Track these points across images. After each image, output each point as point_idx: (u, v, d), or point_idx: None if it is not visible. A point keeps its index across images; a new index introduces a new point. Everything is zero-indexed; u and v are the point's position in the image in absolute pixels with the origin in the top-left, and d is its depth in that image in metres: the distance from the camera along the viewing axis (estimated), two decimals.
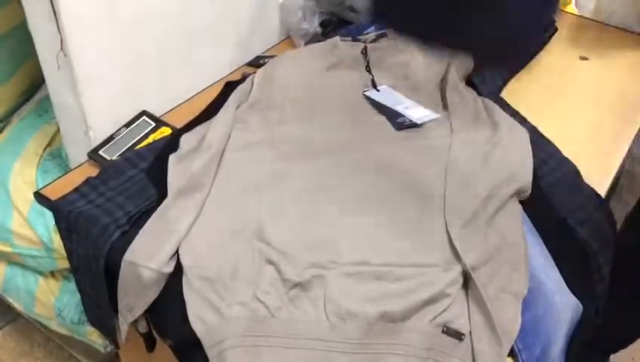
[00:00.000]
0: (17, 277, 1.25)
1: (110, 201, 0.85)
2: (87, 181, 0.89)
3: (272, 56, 1.04)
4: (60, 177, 0.96)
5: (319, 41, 1.12)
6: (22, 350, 1.47)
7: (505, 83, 1.15)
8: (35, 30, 0.91)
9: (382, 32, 1.10)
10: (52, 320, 1.25)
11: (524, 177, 0.84)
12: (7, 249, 1.21)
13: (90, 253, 0.84)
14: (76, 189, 0.88)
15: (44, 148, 1.24)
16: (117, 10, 0.92)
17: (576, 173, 0.92)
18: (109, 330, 0.90)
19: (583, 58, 1.24)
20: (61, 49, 0.88)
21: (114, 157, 0.95)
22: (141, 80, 1.02)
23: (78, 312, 1.21)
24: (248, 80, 1.02)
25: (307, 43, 1.15)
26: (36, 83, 1.35)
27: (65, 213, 0.86)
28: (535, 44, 1.16)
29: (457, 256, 0.74)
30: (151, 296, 0.76)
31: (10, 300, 1.29)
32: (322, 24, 1.17)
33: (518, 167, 0.86)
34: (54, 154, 1.23)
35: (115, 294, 0.82)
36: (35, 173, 1.20)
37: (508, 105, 1.02)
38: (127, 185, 0.88)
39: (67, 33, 0.86)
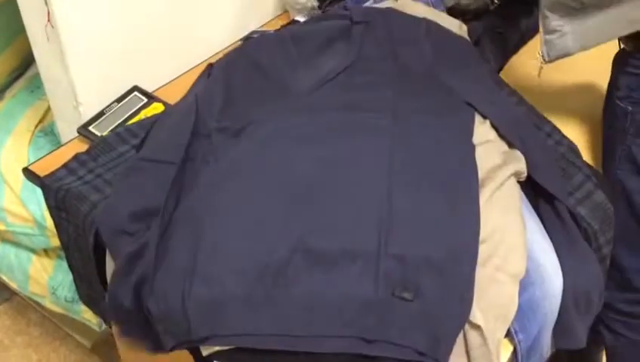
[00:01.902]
0: (11, 255, 1.24)
1: (99, 178, 0.84)
2: (76, 157, 0.87)
3: (265, 31, 1.01)
4: (50, 153, 0.94)
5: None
6: (18, 328, 1.47)
7: (506, 60, 1.13)
8: (22, 2, 0.88)
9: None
10: (46, 298, 1.25)
11: (519, 163, 0.82)
12: (0, 227, 1.20)
13: (79, 230, 0.82)
14: (65, 165, 0.86)
15: (36, 125, 1.23)
16: None
17: (575, 152, 0.90)
18: (100, 308, 0.89)
19: None
20: (48, 21, 0.85)
21: (104, 133, 0.93)
22: (133, 54, 0.99)
23: (71, 291, 1.21)
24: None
25: (304, 18, 1.13)
26: (28, 59, 1.33)
27: (54, 189, 0.84)
28: None
29: None
30: None
31: (4, 278, 1.28)
32: None
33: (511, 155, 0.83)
34: (46, 130, 1.21)
35: (104, 273, 0.81)
36: (27, 150, 1.19)
37: (506, 84, 0.99)
38: (117, 161, 0.86)
39: (54, 4, 0.84)
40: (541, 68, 0.91)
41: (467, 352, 0.65)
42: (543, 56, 0.88)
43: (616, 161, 0.89)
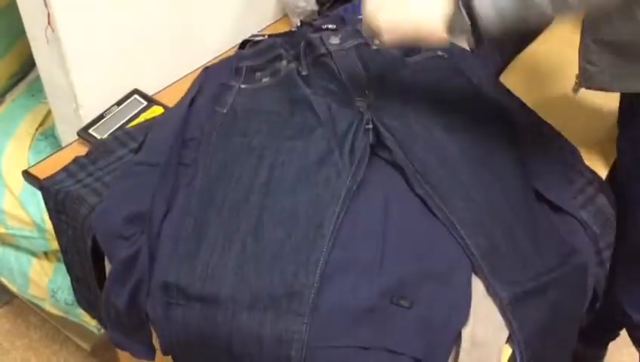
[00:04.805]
0: (11, 257, 1.24)
1: (98, 181, 0.84)
2: (76, 160, 0.87)
3: (264, 35, 1.01)
4: (50, 156, 0.94)
5: (314, 19, 1.09)
6: (18, 331, 1.47)
7: (505, 65, 1.13)
8: (22, 4, 0.89)
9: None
10: (46, 301, 1.25)
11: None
12: (0, 230, 1.20)
13: (78, 233, 0.82)
14: (64, 168, 0.86)
15: (37, 128, 1.23)
16: None
17: (576, 156, 0.89)
18: (98, 312, 0.88)
19: None
20: (48, 24, 0.85)
21: (104, 136, 0.93)
22: (133, 57, 1.00)
23: (71, 294, 1.20)
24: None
25: (303, 21, 1.13)
26: (29, 63, 1.33)
27: (53, 192, 0.84)
28: None
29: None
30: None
31: (5, 281, 1.28)
32: (319, 1, 1.14)
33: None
34: (47, 134, 1.22)
35: (103, 275, 0.81)
36: (27, 154, 1.19)
37: (506, 89, 0.99)
38: (116, 164, 0.86)
39: (54, 7, 0.84)
40: (577, 88, 0.89)
41: (464, 359, 0.65)
42: (579, 80, 0.86)
43: None
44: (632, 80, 0.78)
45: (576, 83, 0.88)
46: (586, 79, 0.85)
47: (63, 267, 1.21)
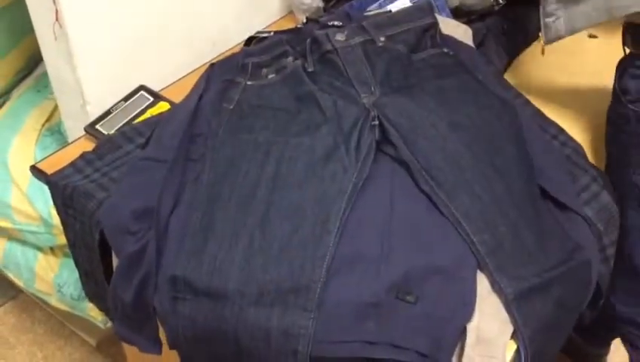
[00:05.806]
0: (17, 252, 1.25)
1: (105, 176, 0.84)
2: (83, 155, 0.88)
3: (270, 32, 1.02)
4: (57, 151, 0.95)
5: (320, 16, 1.09)
6: (23, 326, 1.47)
7: (511, 61, 1.13)
8: (31, 1, 0.89)
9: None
10: (52, 296, 1.25)
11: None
12: (7, 224, 1.21)
13: (86, 227, 0.83)
14: (72, 164, 0.87)
15: (43, 124, 1.24)
16: None
17: (580, 153, 0.90)
18: (106, 305, 0.89)
19: (592, 36, 1.21)
20: (56, 20, 0.86)
21: (111, 132, 0.93)
22: (140, 53, 1.00)
23: (77, 288, 1.21)
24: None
25: (309, 17, 1.13)
26: (36, 58, 1.34)
27: (60, 187, 0.85)
28: None
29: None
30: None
31: (11, 276, 1.29)
32: None
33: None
34: (53, 129, 1.22)
35: (111, 270, 0.81)
36: (34, 149, 1.20)
37: (511, 86, 0.99)
38: (123, 160, 0.87)
39: (62, 4, 0.84)
40: (542, 48, 0.95)
41: (469, 354, 0.65)
42: (542, 38, 0.92)
43: (632, 164, 0.88)
44: (582, 18, 0.87)
45: (542, 45, 0.94)
46: (546, 33, 0.91)
47: (69, 262, 1.22)
